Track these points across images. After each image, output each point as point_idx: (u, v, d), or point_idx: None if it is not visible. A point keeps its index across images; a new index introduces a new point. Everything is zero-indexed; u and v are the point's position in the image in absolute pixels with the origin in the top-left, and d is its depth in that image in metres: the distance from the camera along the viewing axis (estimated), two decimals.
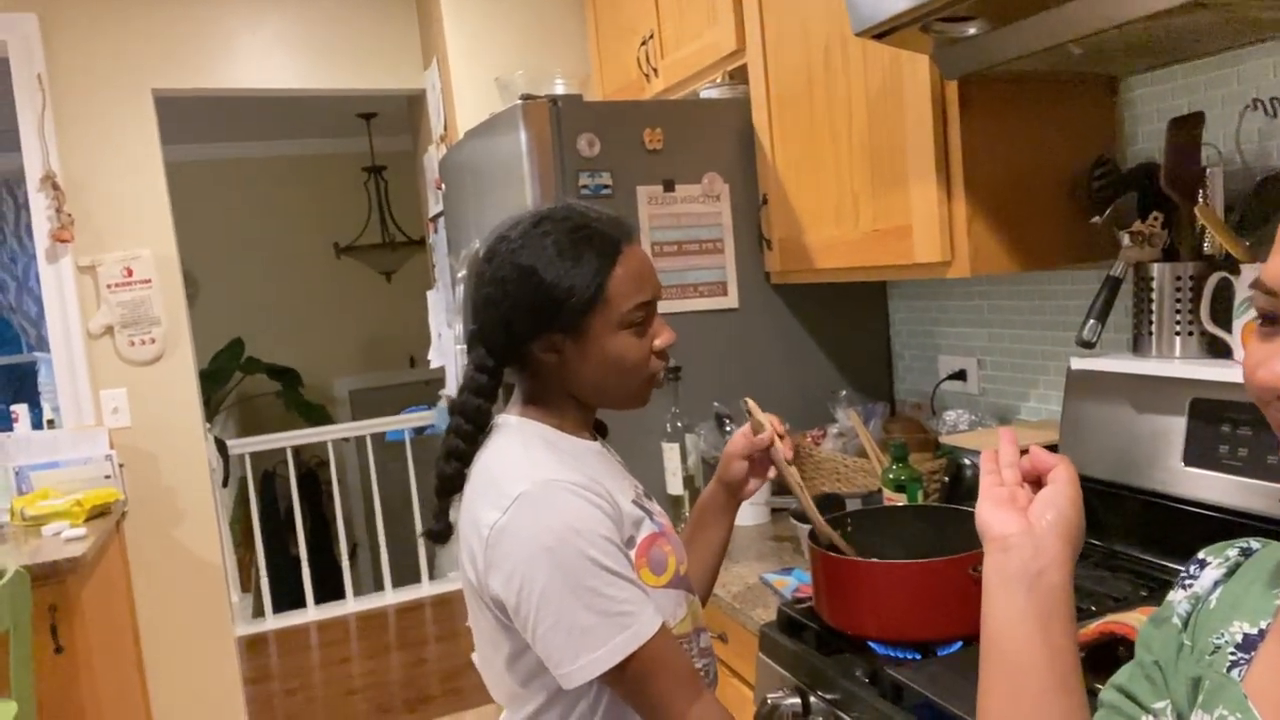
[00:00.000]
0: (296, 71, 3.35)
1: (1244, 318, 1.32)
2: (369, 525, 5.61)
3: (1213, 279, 1.38)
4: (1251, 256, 1.30)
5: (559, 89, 2.48)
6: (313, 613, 4.38)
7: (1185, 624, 0.68)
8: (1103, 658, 1.06)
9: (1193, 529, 1.37)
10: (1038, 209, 1.60)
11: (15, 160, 3.17)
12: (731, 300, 2.16)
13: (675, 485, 1.98)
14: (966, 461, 1.74)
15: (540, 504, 1.05)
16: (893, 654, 1.24)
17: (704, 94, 2.24)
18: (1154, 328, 1.47)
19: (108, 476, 2.98)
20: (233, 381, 5.58)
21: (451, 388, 3.17)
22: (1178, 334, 1.44)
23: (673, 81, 2.43)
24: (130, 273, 3.11)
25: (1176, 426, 1.40)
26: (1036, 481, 0.76)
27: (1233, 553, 0.71)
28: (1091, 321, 1.46)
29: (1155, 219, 1.45)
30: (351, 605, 4.44)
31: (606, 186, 2.03)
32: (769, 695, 1.33)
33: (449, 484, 1.16)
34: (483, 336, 1.16)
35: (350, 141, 5.76)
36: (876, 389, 2.32)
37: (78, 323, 3.07)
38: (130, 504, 3.12)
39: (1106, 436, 1.52)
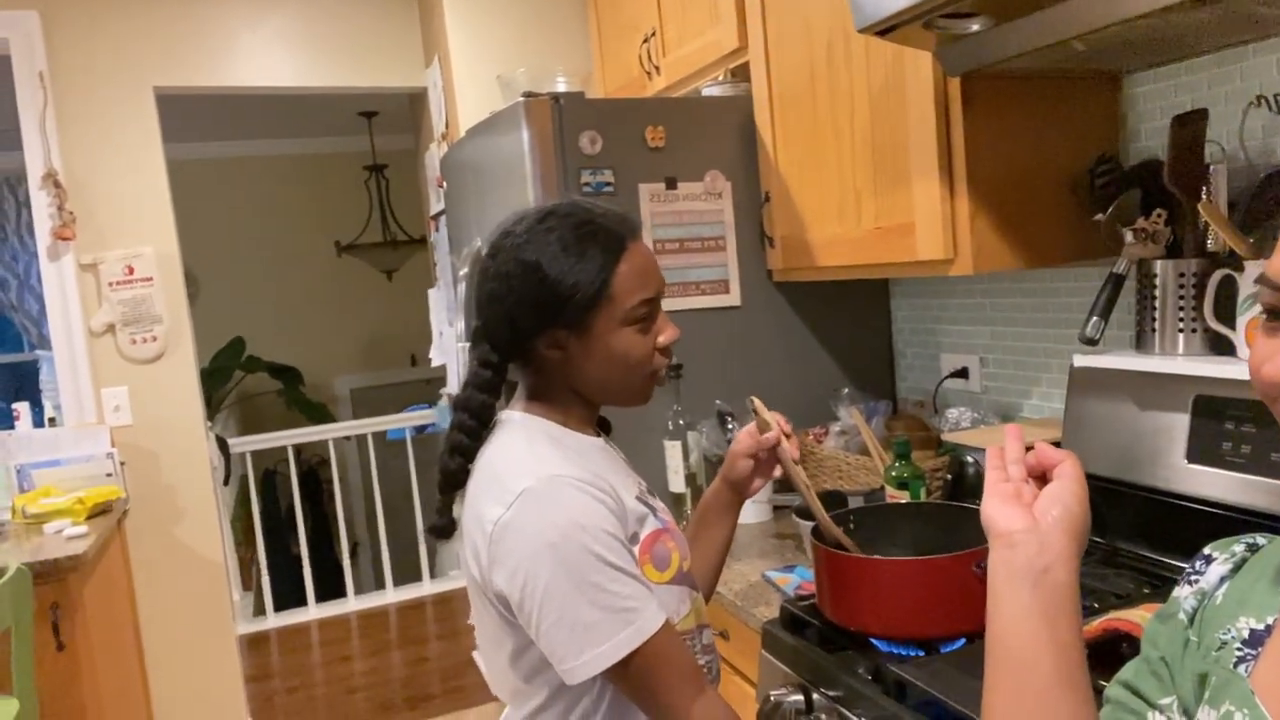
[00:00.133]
0: (297, 70, 3.35)
1: (1248, 314, 1.32)
2: (370, 524, 5.62)
3: (1216, 276, 1.38)
4: (1255, 253, 1.30)
5: (561, 86, 2.48)
6: (314, 611, 4.38)
7: (1191, 620, 0.68)
8: (1106, 655, 1.06)
9: (1196, 526, 1.37)
10: (1040, 206, 1.60)
11: (17, 158, 3.17)
12: (733, 298, 2.16)
13: (677, 483, 1.98)
14: (969, 459, 1.74)
15: (544, 499, 1.05)
16: (895, 651, 1.24)
17: (706, 92, 2.24)
18: (1157, 325, 1.47)
19: (109, 474, 2.98)
20: (234, 380, 5.58)
21: (453, 386, 3.17)
22: (1181, 331, 1.44)
23: (674, 79, 2.43)
24: (132, 271, 3.11)
25: (1180, 423, 1.40)
26: (1042, 477, 0.76)
27: (1239, 548, 0.70)
28: (1094, 319, 1.45)
29: (1158, 216, 1.45)
30: (352, 604, 4.45)
31: (609, 184, 2.03)
32: (771, 692, 1.33)
33: (453, 479, 1.16)
34: (487, 332, 1.16)
35: (351, 140, 5.76)
36: (879, 387, 2.32)
37: (79, 321, 3.07)
38: (132, 502, 3.12)
39: (1109, 434, 1.52)
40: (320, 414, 5.65)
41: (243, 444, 4.34)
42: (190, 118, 4.79)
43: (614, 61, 2.81)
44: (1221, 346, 1.40)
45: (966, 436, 1.82)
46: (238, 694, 3.36)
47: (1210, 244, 1.42)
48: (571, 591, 1.02)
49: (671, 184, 2.09)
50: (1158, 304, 1.46)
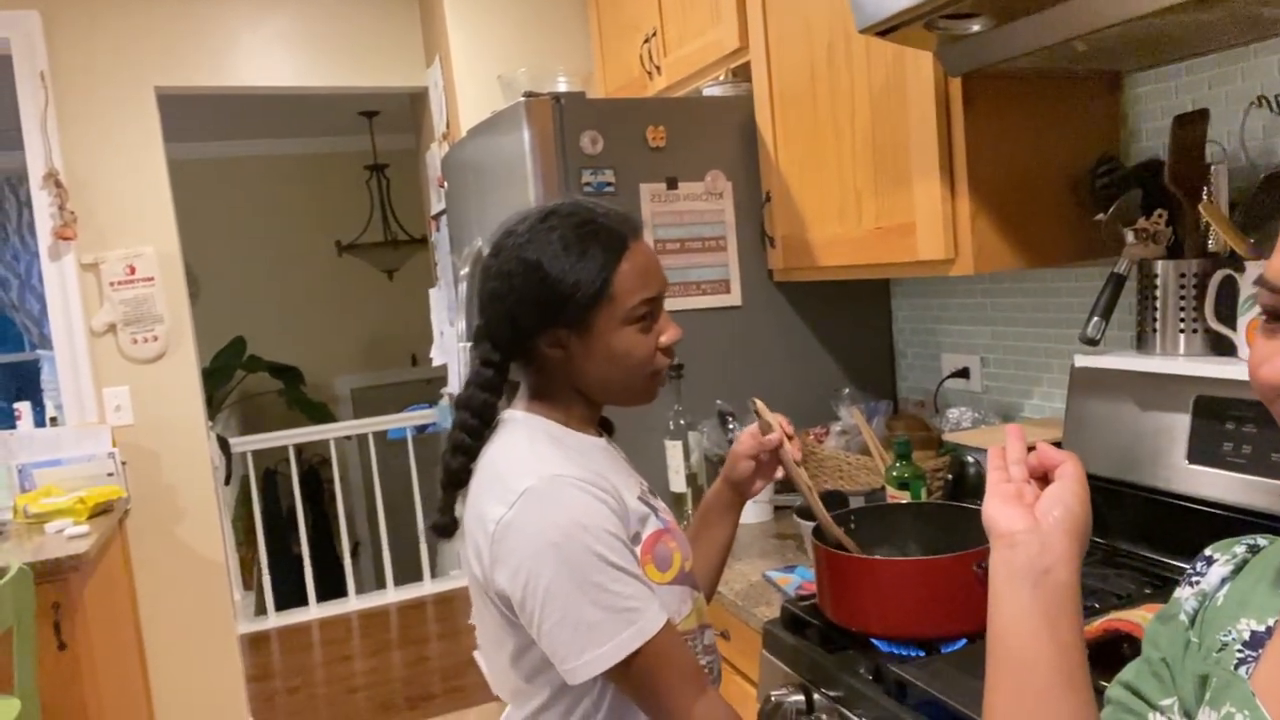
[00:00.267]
0: (298, 69, 3.35)
1: (1249, 315, 1.32)
2: (371, 523, 5.62)
3: (1217, 276, 1.38)
4: (1256, 253, 1.30)
5: (562, 86, 2.48)
6: (315, 610, 4.38)
7: (1192, 621, 0.68)
8: (1106, 655, 1.06)
9: (1197, 527, 1.37)
10: (1041, 206, 1.60)
11: (18, 158, 3.17)
12: (734, 298, 2.16)
13: (678, 483, 1.98)
14: (969, 459, 1.74)
15: (546, 499, 1.05)
16: (896, 651, 1.24)
17: (707, 91, 2.24)
18: (1158, 325, 1.47)
19: (110, 474, 2.98)
20: (235, 379, 5.58)
21: (454, 386, 3.17)
22: (1182, 331, 1.44)
23: (675, 79, 2.43)
24: (133, 270, 3.11)
25: (1180, 424, 1.40)
26: (1044, 478, 0.76)
27: (1240, 549, 0.70)
28: (1095, 319, 1.45)
29: (1159, 216, 1.45)
30: (353, 603, 4.45)
31: (609, 184, 2.03)
32: (772, 692, 1.33)
33: (454, 478, 1.16)
34: (488, 331, 1.16)
35: (352, 139, 5.76)
36: (879, 387, 2.32)
37: (80, 320, 3.07)
38: (133, 502, 3.13)
39: (1110, 434, 1.52)
40: (321, 414, 5.65)
41: (244, 443, 4.34)
42: (191, 117, 4.79)
43: (615, 61, 2.81)
44: (1222, 347, 1.40)
45: (967, 436, 1.82)
46: (239, 693, 3.37)
47: (1211, 244, 1.42)
48: (573, 591, 1.02)
49: (672, 184, 2.09)
50: (1159, 304, 1.46)
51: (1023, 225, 1.59)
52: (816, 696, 1.28)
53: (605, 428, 1.27)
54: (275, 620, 4.31)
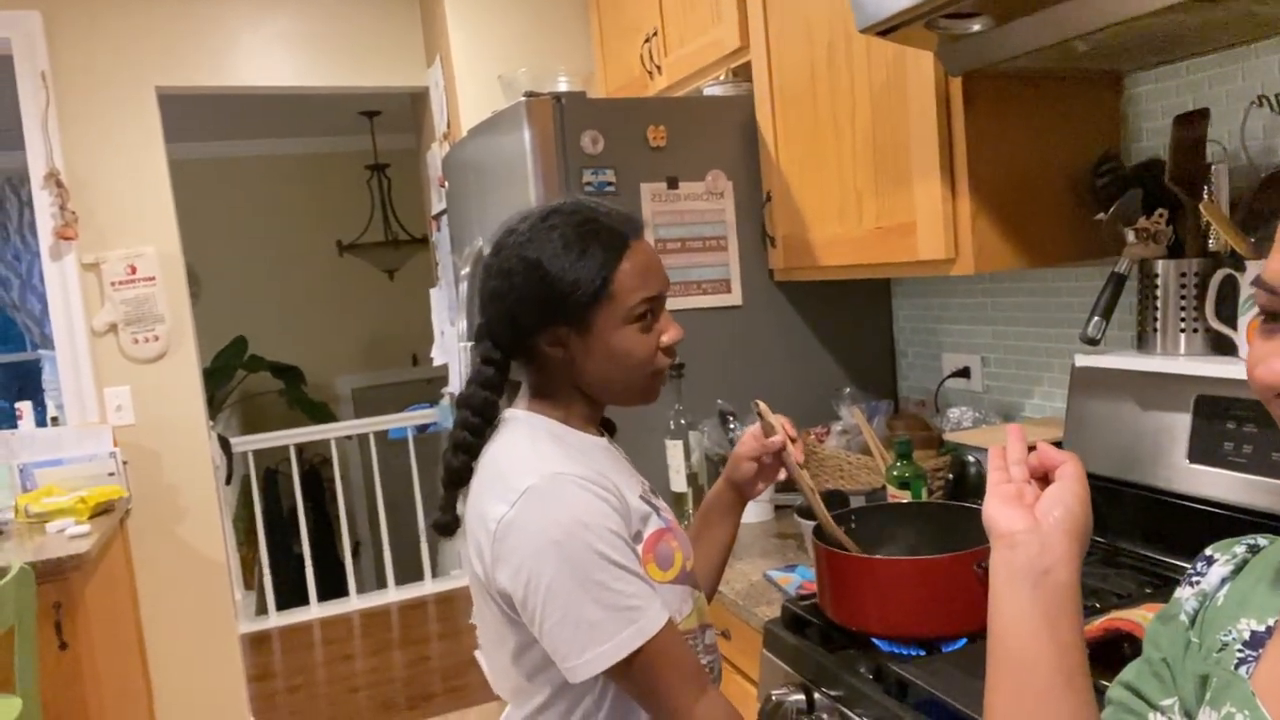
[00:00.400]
0: (299, 69, 3.35)
1: (1249, 314, 1.32)
2: (372, 523, 5.63)
3: (1218, 275, 1.38)
4: (1256, 253, 1.30)
5: (562, 86, 2.48)
6: (316, 610, 4.39)
7: (1192, 621, 0.68)
8: (1107, 655, 1.06)
9: (1197, 526, 1.37)
10: (1042, 206, 1.60)
11: (19, 158, 3.17)
12: (735, 298, 2.16)
13: (679, 482, 1.98)
14: (970, 459, 1.74)
15: (548, 497, 1.05)
16: (897, 650, 1.24)
17: (707, 91, 2.24)
18: (1159, 324, 1.47)
19: (111, 474, 2.99)
20: (236, 379, 5.59)
21: (454, 385, 3.17)
22: (1183, 331, 1.44)
23: (676, 79, 2.43)
24: (134, 270, 3.12)
25: (1181, 423, 1.40)
26: (1044, 478, 0.76)
27: (1240, 549, 0.71)
28: (1096, 318, 1.45)
29: (1160, 216, 1.45)
30: (355, 603, 4.45)
31: (610, 184, 2.03)
32: (773, 692, 1.33)
33: (456, 477, 1.16)
34: (489, 329, 1.17)
35: (353, 139, 5.76)
36: (880, 386, 2.32)
37: (81, 320, 3.07)
38: (134, 501, 3.13)
39: (1111, 433, 1.52)
40: (322, 413, 5.65)
41: (245, 443, 4.35)
42: (192, 117, 4.79)
43: (615, 61, 2.81)
44: (1223, 346, 1.40)
45: (968, 436, 1.82)
46: (240, 693, 3.37)
47: (1212, 244, 1.42)
48: (575, 589, 1.03)
49: (673, 183, 2.09)
50: (1159, 304, 1.46)
51: (1023, 225, 1.59)
52: (817, 696, 1.28)
53: (607, 428, 1.27)
54: (276, 620, 4.32)
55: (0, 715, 2.07)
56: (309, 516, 4.61)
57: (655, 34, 2.50)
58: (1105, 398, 1.54)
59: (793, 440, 1.28)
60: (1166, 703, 0.65)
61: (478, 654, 3.34)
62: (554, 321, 1.11)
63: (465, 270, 2.38)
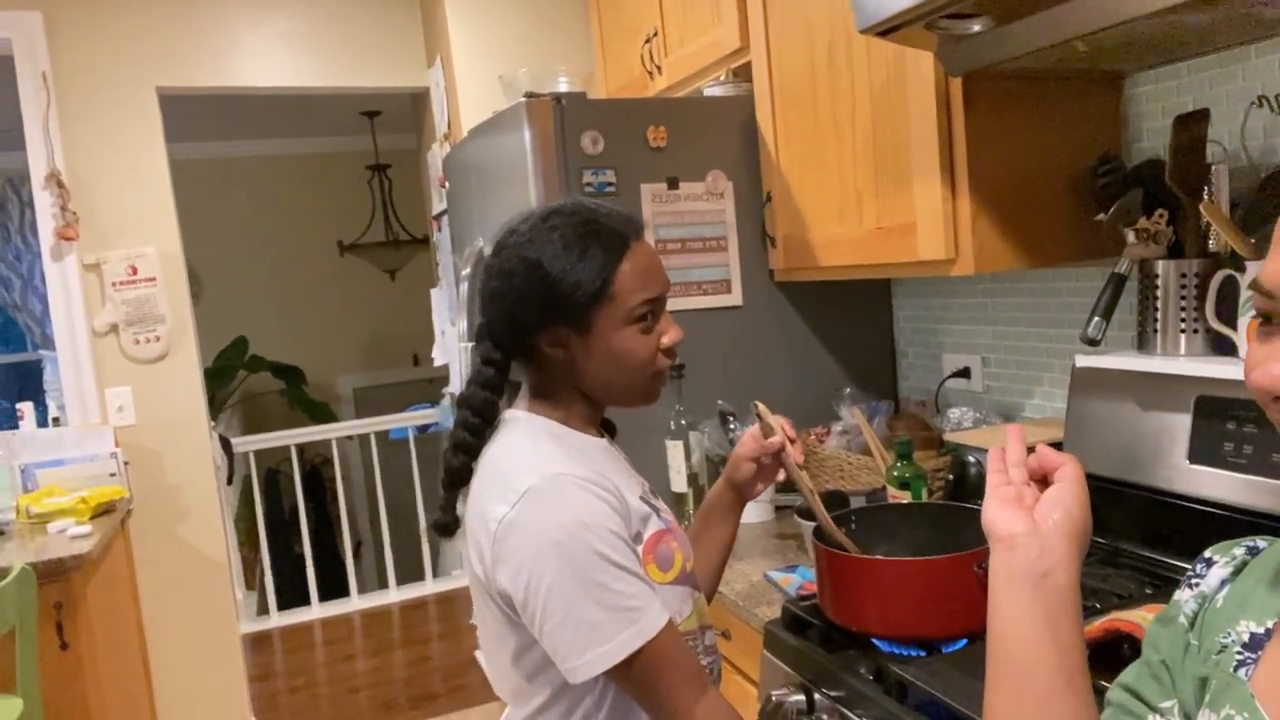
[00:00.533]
0: (299, 70, 3.35)
1: (1249, 315, 1.32)
2: (373, 523, 5.63)
3: (1218, 276, 1.37)
4: (1256, 253, 1.30)
5: (563, 87, 2.48)
6: (317, 610, 4.39)
7: (1192, 623, 0.68)
8: (1107, 655, 1.06)
9: (1197, 526, 1.37)
10: (1042, 206, 1.60)
11: (20, 158, 3.18)
12: (735, 298, 2.16)
13: (679, 483, 1.98)
14: (970, 459, 1.74)
15: (548, 498, 1.05)
16: (897, 651, 1.24)
17: (707, 91, 2.24)
18: (1159, 325, 1.47)
19: (113, 474, 2.99)
20: (237, 379, 5.59)
21: (455, 385, 3.18)
22: (1183, 331, 1.44)
23: (676, 79, 2.43)
24: (135, 271, 3.12)
25: (1181, 424, 1.40)
26: (1043, 480, 0.76)
27: (1239, 551, 0.71)
28: (1096, 319, 1.45)
29: (1160, 216, 1.45)
30: (356, 603, 4.45)
31: (610, 184, 2.03)
32: (773, 692, 1.33)
33: (456, 477, 1.17)
34: (490, 330, 1.17)
35: (354, 139, 5.76)
36: (881, 387, 2.32)
37: (83, 321, 3.08)
38: (135, 502, 3.13)
39: (1111, 434, 1.52)
40: (323, 413, 5.66)
41: (246, 443, 4.35)
42: (193, 117, 4.80)
43: (616, 61, 2.81)
44: (1223, 347, 1.40)
45: (968, 436, 1.82)
46: (241, 693, 3.37)
47: (1212, 244, 1.42)
48: (576, 590, 1.03)
49: (673, 184, 2.09)
50: (1159, 304, 1.46)
51: (1023, 225, 1.59)
52: (817, 696, 1.29)
53: (607, 429, 1.28)
54: (277, 620, 4.32)
55: (1, 716, 2.08)
56: (310, 517, 4.61)
57: (655, 34, 2.50)
58: (1105, 398, 1.54)
59: (792, 441, 1.28)
60: (1166, 705, 0.65)
61: (479, 654, 3.34)
62: (554, 322, 1.11)
63: (466, 270, 2.38)
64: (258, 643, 4.18)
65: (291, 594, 4.65)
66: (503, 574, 1.06)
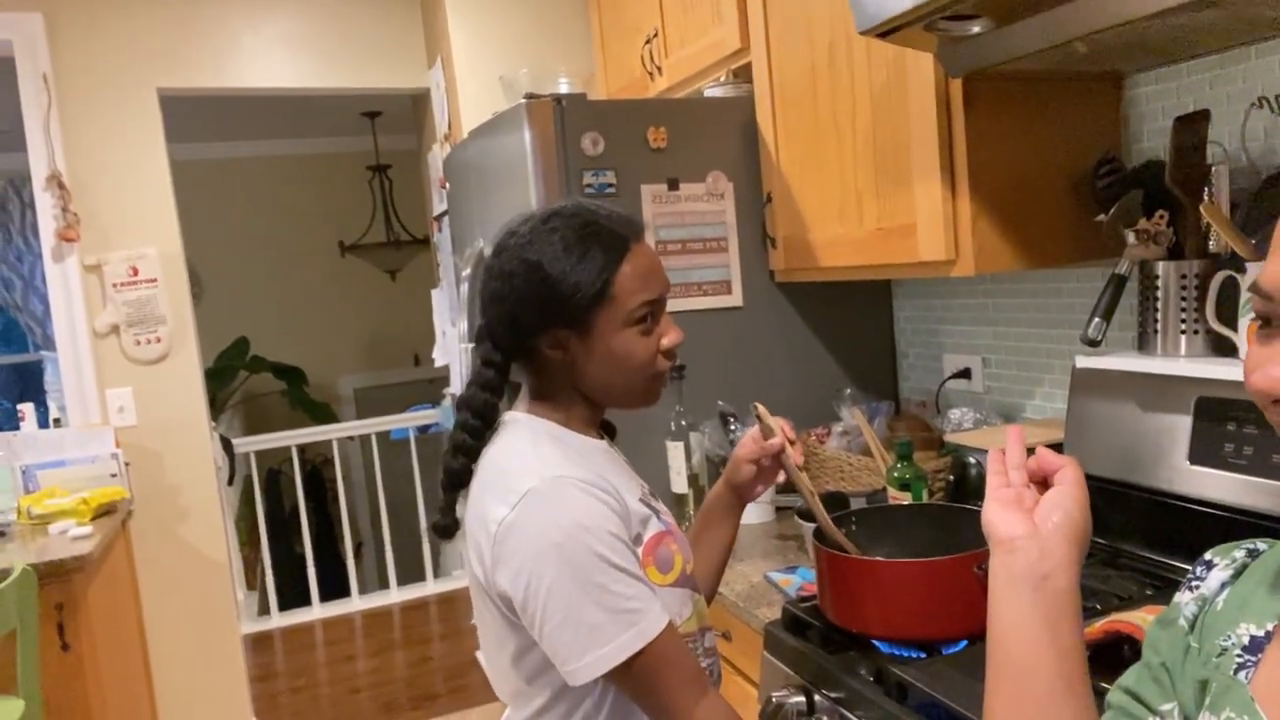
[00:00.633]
0: (300, 71, 3.35)
1: (1249, 317, 1.32)
2: (374, 523, 5.63)
3: (1218, 277, 1.37)
4: (1257, 255, 1.30)
5: (563, 88, 2.49)
6: (318, 611, 4.39)
7: (1192, 626, 0.68)
8: (1108, 657, 1.06)
9: (1198, 528, 1.37)
10: (1042, 207, 1.60)
11: (21, 159, 3.18)
12: (736, 299, 2.16)
13: (680, 484, 1.98)
14: (971, 460, 1.74)
15: (549, 500, 1.05)
16: (897, 652, 1.24)
17: (708, 92, 2.24)
18: (1159, 326, 1.47)
19: (114, 475, 2.99)
20: (238, 380, 5.59)
21: (456, 386, 3.18)
22: (1183, 332, 1.44)
23: (677, 80, 2.43)
24: (136, 272, 3.12)
25: (1182, 425, 1.40)
26: (1043, 482, 0.76)
27: (1239, 554, 0.70)
28: (1096, 320, 1.45)
29: (1160, 217, 1.45)
30: (356, 603, 4.46)
31: (611, 185, 2.03)
32: (773, 694, 1.33)
33: (456, 479, 1.17)
34: (490, 331, 1.17)
35: (355, 140, 5.76)
36: (881, 387, 2.32)
37: (83, 321, 3.08)
38: (136, 502, 3.13)
39: (1112, 435, 1.51)
40: (324, 414, 5.66)
41: (247, 444, 4.35)
42: (194, 118, 4.80)
43: (616, 62, 2.81)
44: (1224, 348, 1.40)
45: (969, 437, 1.82)
46: (242, 693, 3.37)
47: (1212, 245, 1.42)
48: (575, 592, 1.03)
49: (673, 185, 2.09)
50: (1160, 305, 1.46)
51: (1024, 226, 1.59)
52: (817, 698, 1.29)
53: (607, 431, 1.28)
54: (278, 620, 4.32)
55: (3, 716, 2.08)
56: (311, 517, 4.62)
57: (656, 35, 2.50)
58: (1106, 399, 1.54)
59: (791, 442, 1.28)
60: (1166, 707, 0.65)
61: (479, 655, 3.34)
62: (554, 324, 1.12)
63: (466, 271, 2.38)
64: (259, 643, 4.19)
65: (292, 594, 4.65)
66: (503, 576, 1.06)
